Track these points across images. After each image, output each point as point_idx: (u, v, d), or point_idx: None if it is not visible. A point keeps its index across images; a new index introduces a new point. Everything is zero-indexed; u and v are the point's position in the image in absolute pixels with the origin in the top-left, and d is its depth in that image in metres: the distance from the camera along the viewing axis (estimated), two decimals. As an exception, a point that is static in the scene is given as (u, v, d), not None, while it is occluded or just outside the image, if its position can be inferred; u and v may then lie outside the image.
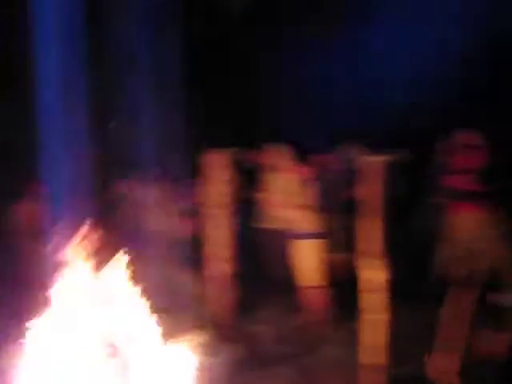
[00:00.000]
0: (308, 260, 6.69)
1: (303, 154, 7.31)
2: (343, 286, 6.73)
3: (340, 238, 7.55)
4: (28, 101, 7.82)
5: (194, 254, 7.17)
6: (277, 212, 7.48)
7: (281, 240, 7.45)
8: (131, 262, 5.26)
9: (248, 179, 8.10)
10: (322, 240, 6.79)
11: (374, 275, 4.87)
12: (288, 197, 7.43)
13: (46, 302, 4.91)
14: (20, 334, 4.82)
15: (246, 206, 7.89)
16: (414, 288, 6.44)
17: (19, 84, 8.07)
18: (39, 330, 4.70)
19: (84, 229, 5.23)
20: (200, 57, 9.86)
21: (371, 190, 4.95)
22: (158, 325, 5.19)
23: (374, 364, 4.87)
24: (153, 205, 8.27)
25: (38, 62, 8.16)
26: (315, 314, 6.66)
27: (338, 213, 7.68)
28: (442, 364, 5.16)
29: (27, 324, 4.78)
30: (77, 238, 5.27)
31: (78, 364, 4.45)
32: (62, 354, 4.55)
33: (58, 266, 4.95)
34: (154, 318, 5.16)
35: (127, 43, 9.51)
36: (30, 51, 8.14)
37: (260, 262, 8.02)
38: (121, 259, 5.21)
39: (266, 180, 7.78)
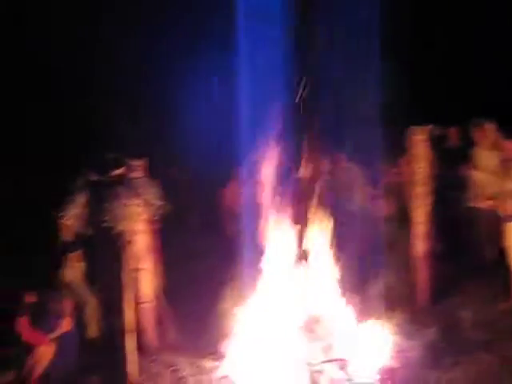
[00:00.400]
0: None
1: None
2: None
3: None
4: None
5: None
6: (487, 191, 7.19)
7: (491, 220, 7.17)
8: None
9: (452, 156, 7.84)
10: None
11: None
12: (496, 175, 7.09)
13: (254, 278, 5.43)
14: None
15: (451, 184, 7.68)
16: None
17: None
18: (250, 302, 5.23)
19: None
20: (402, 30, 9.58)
21: None
22: (355, 304, 5.48)
23: None
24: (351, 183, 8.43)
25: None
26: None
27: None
28: None
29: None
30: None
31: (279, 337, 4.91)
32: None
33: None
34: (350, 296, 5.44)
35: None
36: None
37: (466, 242, 7.78)
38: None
39: (474, 157, 7.48)
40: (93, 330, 6.29)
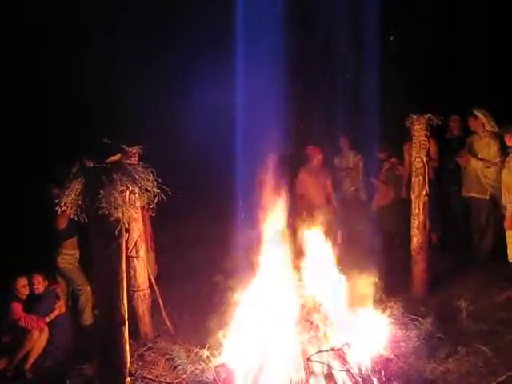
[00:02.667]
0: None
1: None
2: None
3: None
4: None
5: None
6: (485, 181, 7.17)
7: (488, 210, 7.16)
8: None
9: (451, 146, 7.82)
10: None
11: None
12: (493, 165, 7.08)
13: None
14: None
15: (451, 172, 7.67)
16: None
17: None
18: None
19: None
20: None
21: None
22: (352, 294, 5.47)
23: None
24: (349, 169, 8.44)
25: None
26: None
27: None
28: None
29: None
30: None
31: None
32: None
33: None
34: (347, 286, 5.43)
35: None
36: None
37: (463, 233, 7.78)
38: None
39: (472, 147, 7.46)
40: (87, 318, 6.29)
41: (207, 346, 5.26)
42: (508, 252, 6.39)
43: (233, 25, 9.58)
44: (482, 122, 7.15)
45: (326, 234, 5.56)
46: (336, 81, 9.50)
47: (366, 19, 9.80)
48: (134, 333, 5.41)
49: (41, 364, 5.46)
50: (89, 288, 6.20)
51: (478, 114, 7.18)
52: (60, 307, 5.75)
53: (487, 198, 7.16)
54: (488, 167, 7.11)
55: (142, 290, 5.76)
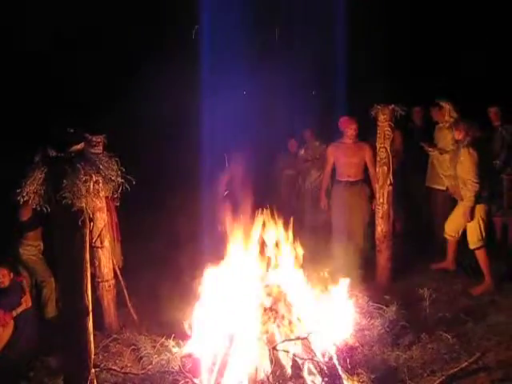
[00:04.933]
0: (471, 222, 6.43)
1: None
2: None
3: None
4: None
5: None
6: (444, 172, 7.27)
7: (448, 201, 7.26)
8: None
9: (415, 136, 7.91)
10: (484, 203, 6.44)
11: None
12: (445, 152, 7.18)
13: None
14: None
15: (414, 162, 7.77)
16: None
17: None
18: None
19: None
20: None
21: None
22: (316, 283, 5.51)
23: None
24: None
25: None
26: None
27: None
28: None
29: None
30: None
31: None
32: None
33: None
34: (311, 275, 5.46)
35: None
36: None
37: (426, 222, 7.90)
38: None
39: (434, 137, 7.56)
40: (50, 310, 6.19)
41: (173, 336, 5.25)
42: (468, 240, 6.51)
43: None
44: (445, 111, 7.23)
45: (290, 223, 5.53)
46: (303, 74, 9.52)
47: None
48: (99, 324, 5.36)
49: (4, 357, 5.36)
50: (52, 280, 6.10)
51: (442, 103, 7.26)
52: (26, 301, 5.62)
53: (445, 189, 7.26)
54: (441, 153, 7.22)
55: (107, 281, 5.71)
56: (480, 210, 6.39)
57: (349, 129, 7.16)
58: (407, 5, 9.91)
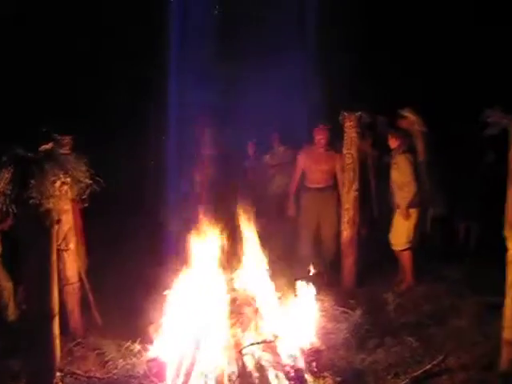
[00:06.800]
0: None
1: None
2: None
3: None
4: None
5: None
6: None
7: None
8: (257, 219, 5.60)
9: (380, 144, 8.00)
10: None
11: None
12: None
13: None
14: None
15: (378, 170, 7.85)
16: None
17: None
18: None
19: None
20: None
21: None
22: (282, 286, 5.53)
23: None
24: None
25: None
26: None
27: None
28: None
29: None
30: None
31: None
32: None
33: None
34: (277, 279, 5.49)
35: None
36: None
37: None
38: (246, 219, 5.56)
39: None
40: (10, 313, 6.05)
41: (138, 340, 5.20)
42: (394, 241, 6.78)
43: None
44: (409, 121, 7.37)
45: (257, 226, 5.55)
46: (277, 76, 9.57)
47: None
48: (63, 327, 5.26)
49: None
50: (10, 284, 5.94)
51: (406, 114, 7.39)
52: None
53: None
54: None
55: (72, 284, 5.62)
56: (414, 213, 6.65)
57: (319, 137, 7.24)
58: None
